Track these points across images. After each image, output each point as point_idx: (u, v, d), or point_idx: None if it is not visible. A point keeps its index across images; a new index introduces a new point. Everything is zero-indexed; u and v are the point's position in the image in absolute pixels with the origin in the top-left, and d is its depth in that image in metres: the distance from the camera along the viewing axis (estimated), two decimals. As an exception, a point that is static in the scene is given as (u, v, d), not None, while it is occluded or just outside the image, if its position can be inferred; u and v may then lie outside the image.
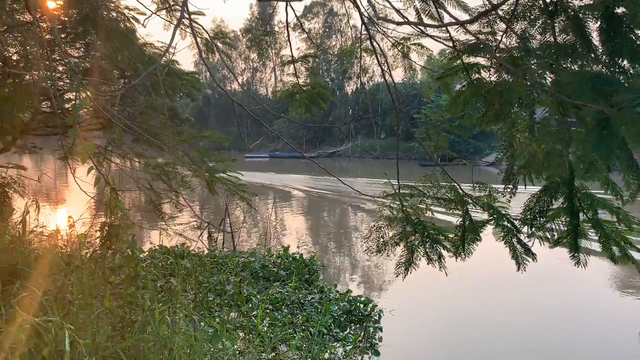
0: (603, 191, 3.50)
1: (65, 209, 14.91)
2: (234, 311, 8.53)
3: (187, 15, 3.38)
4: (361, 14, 3.64)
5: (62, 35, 9.32)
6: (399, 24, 3.59)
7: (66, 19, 8.58)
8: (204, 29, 5.80)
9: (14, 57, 9.43)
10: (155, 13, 5.65)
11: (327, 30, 75.99)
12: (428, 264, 4.06)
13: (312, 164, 57.59)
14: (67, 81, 9.05)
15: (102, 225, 4.46)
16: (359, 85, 76.31)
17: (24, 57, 9.08)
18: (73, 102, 7.34)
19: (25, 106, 8.30)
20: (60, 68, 9.39)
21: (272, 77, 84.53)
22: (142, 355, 4.13)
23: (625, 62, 2.53)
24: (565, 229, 3.61)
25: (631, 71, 2.57)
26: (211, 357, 4.65)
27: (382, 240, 4.07)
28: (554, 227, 3.69)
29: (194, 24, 5.81)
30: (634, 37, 2.47)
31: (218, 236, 14.10)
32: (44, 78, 8.53)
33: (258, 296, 9.32)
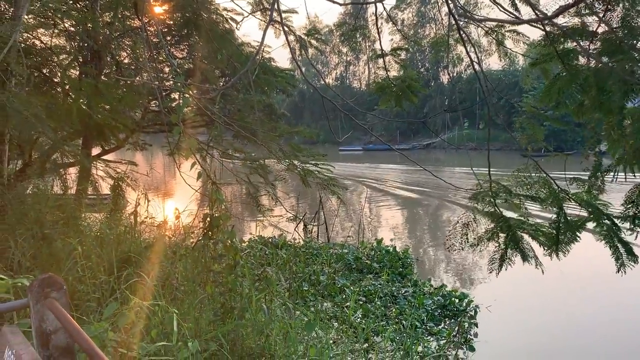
0: None
1: (172, 201, 15.96)
2: (327, 301, 8.70)
3: (277, 17, 3.50)
4: (449, 6, 3.56)
5: (167, 38, 9.99)
6: (480, 20, 3.47)
7: (171, 22, 9.18)
8: (290, 29, 5.95)
9: (125, 61, 10.27)
10: (250, 14, 5.88)
11: (421, 19, 74.33)
12: (524, 262, 3.91)
13: (404, 157, 56.45)
14: (172, 81, 9.66)
15: (205, 216, 4.77)
16: (454, 75, 74.07)
17: (134, 60, 9.86)
18: (177, 101, 7.89)
19: (136, 106, 9.00)
20: (167, 69, 10.07)
21: (365, 70, 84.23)
22: (240, 340, 4.37)
23: None
24: None
25: None
26: (306, 345, 4.81)
27: (466, 237, 3.96)
28: None
29: (287, 23, 5.99)
30: None
31: (313, 228, 14.40)
32: (152, 79, 9.21)
33: (351, 287, 9.44)
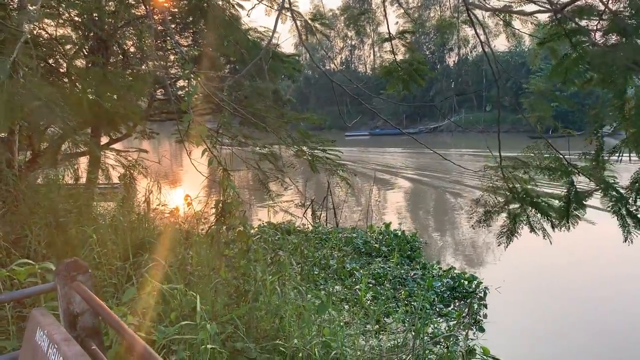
0: None
1: (181, 189, 16.06)
2: (338, 284, 8.80)
3: (287, 4, 3.52)
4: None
5: (172, 26, 9.99)
6: (494, 10, 3.46)
7: (176, 9, 9.18)
8: (300, 15, 5.94)
9: (132, 50, 10.29)
10: (259, 1, 5.89)
11: (425, 1, 73.50)
12: (531, 232, 3.96)
13: (413, 141, 56.46)
14: (179, 69, 9.68)
15: (217, 203, 4.85)
16: (460, 57, 73.45)
17: (140, 49, 9.88)
18: (186, 89, 7.91)
19: (145, 94, 9.04)
20: (172, 57, 10.08)
21: (370, 54, 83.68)
22: (255, 322, 4.46)
23: None
24: None
25: None
26: (319, 326, 4.90)
27: (485, 210, 4.02)
28: None
29: (294, 9, 5.98)
30: None
31: (321, 213, 14.49)
32: (158, 67, 9.24)
33: (361, 271, 9.53)
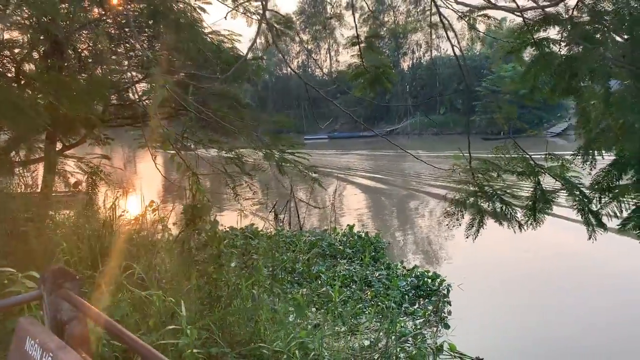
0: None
1: (138, 195, 15.73)
2: (304, 288, 8.82)
3: (264, 13, 3.53)
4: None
5: (127, 29, 9.76)
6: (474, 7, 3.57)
7: (136, 12, 8.99)
8: (270, 21, 5.94)
9: (87, 53, 9.99)
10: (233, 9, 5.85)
11: (380, 6, 74.59)
12: (495, 221, 4.11)
13: (371, 143, 57.51)
14: (134, 73, 9.48)
15: (187, 207, 4.78)
16: (414, 61, 74.83)
17: (95, 52, 9.61)
18: (151, 93, 7.75)
19: (104, 98, 8.80)
20: (126, 62, 9.85)
21: (327, 58, 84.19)
22: (228, 328, 4.43)
23: None
24: (634, 208, 3.53)
25: None
26: (292, 329, 4.90)
27: (455, 207, 4.14)
28: (622, 202, 3.61)
29: (259, 12, 5.99)
30: None
31: (284, 217, 14.47)
32: (114, 71, 9.03)
33: (327, 273, 9.58)
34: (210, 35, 8.13)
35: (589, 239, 3.86)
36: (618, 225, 3.61)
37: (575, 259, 11.39)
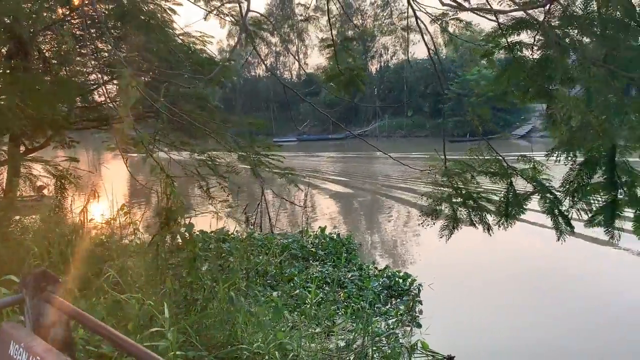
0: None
1: (105, 199, 15.44)
2: (277, 291, 8.80)
3: (245, 16, 3.51)
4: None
5: (93, 30, 9.57)
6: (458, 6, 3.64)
7: (103, 12, 8.83)
8: (242, 21, 5.91)
9: (51, 54, 9.73)
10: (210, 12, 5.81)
11: (348, 10, 74.96)
12: (470, 224, 4.20)
13: (339, 146, 57.93)
14: (100, 75, 9.30)
15: (161, 210, 4.73)
16: (382, 64, 75.59)
17: (61, 53, 9.37)
18: (122, 94, 7.59)
19: (71, 100, 8.60)
20: (92, 63, 9.65)
21: (295, 61, 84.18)
22: (205, 331, 4.40)
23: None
24: (603, 205, 3.66)
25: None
26: (270, 331, 4.88)
27: (430, 209, 4.22)
28: (592, 201, 3.74)
29: (232, 13, 5.98)
30: None
31: (255, 220, 14.39)
32: (77, 72, 8.85)
33: (300, 276, 9.58)
34: (181, 37, 8.05)
35: (558, 240, 3.99)
36: (586, 222, 3.74)
37: (543, 260, 11.71)
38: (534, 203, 4.19)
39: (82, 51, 9.49)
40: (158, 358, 1.33)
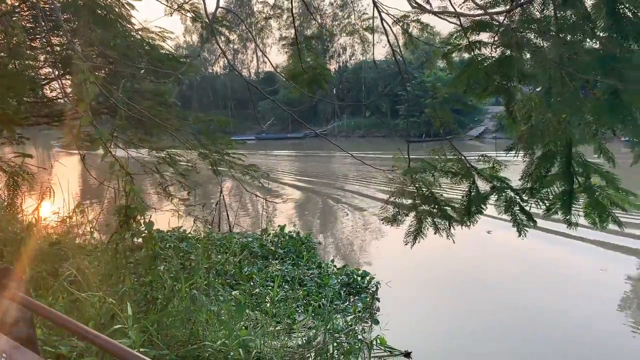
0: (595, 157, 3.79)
1: (58, 197, 14.97)
2: (237, 290, 8.76)
3: (214, 14, 3.50)
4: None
5: (44, 23, 9.25)
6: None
7: (59, 3, 8.54)
8: (209, 19, 5.86)
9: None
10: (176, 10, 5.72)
11: (306, 9, 74.87)
12: (435, 233, 4.32)
13: (298, 145, 57.96)
14: (52, 69, 9.02)
15: (120, 208, 4.64)
16: (341, 65, 76.06)
17: (10, 46, 9.01)
18: (80, 89, 7.36)
19: (14, 95, 8.28)
20: (43, 57, 9.32)
21: (254, 59, 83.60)
22: (165, 329, 4.35)
23: (621, 37, 2.79)
24: (560, 195, 3.88)
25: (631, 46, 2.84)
26: (232, 328, 4.87)
27: (395, 210, 4.31)
28: (549, 193, 3.96)
29: (194, 10, 5.92)
30: (630, 15, 2.72)
31: (214, 219, 14.26)
32: (28, 66, 8.52)
33: (259, 274, 9.57)
34: (140, 32, 7.89)
35: (519, 236, 4.16)
36: (544, 211, 3.94)
37: (498, 258, 12.11)
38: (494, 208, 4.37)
39: (33, 44, 9.16)
40: (132, 352, 1.33)
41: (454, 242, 4.37)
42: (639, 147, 3.04)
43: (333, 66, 77.89)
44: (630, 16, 2.64)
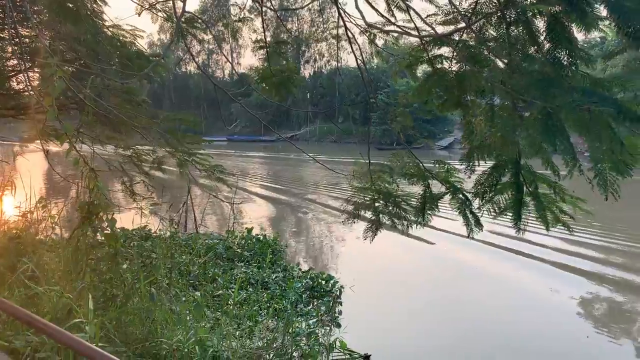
0: (544, 169, 4.03)
1: (19, 192, 14.67)
2: (200, 291, 8.74)
3: (182, 13, 3.55)
4: (338, 7, 3.93)
5: (17, 15, 9.10)
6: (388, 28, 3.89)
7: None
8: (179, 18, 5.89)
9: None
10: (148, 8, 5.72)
11: (285, 13, 75.13)
12: (392, 225, 4.49)
13: (269, 148, 57.91)
14: (20, 62, 8.87)
15: (83, 204, 4.62)
16: (316, 70, 76.42)
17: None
18: (46, 83, 7.25)
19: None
20: (10, 49, 9.16)
21: (228, 60, 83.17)
22: (124, 327, 4.36)
23: (563, 55, 3.00)
24: (510, 202, 4.10)
25: (570, 64, 3.03)
26: (190, 328, 4.89)
27: (356, 207, 4.46)
28: (500, 200, 4.18)
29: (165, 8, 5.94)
30: (569, 34, 2.93)
31: (180, 219, 14.14)
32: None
33: (223, 276, 9.56)
34: (110, 29, 7.83)
35: (468, 236, 4.38)
36: (495, 216, 4.17)
37: (456, 266, 12.40)
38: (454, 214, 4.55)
39: (1, 35, 8.99)
40: (90, 346, 1.37)
41: (407, 235, 4.53)
42: (572, 163, 3.25)
43: (308, 71, 78.28)
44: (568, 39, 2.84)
